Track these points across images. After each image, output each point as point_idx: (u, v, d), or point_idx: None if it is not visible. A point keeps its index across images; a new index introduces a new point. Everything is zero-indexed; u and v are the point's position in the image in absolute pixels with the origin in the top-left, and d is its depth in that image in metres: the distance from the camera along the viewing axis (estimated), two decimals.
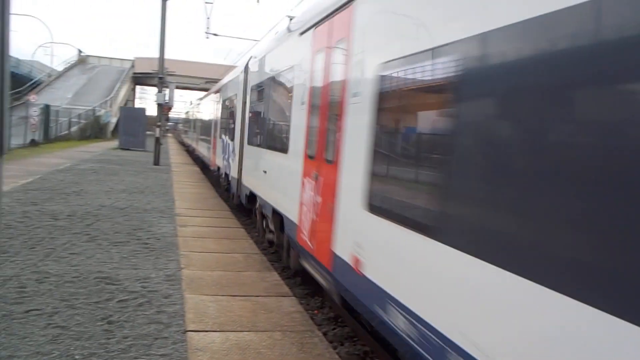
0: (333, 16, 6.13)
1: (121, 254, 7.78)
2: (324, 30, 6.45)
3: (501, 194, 2.86)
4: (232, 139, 14.50)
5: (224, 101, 17.92)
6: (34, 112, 32.00)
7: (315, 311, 7.34)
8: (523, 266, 2.62)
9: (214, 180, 20.48)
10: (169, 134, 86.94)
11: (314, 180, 6.37)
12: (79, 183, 15.68)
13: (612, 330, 2.12)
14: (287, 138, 7.94)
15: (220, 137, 17.89)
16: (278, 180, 8.56)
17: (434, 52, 3.66)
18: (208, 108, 26.00)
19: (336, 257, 5.47)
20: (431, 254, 3.53)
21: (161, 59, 25.07)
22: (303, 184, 6.87)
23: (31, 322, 4.98)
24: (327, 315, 7.16)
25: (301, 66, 7.45)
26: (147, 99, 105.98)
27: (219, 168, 18.05)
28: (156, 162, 24.79)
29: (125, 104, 62.77)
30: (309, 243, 6.56)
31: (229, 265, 7.76)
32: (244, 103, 12.89)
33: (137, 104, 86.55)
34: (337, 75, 5.77)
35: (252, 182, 11.14)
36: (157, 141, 25.22)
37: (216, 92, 22.08)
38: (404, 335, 3.83)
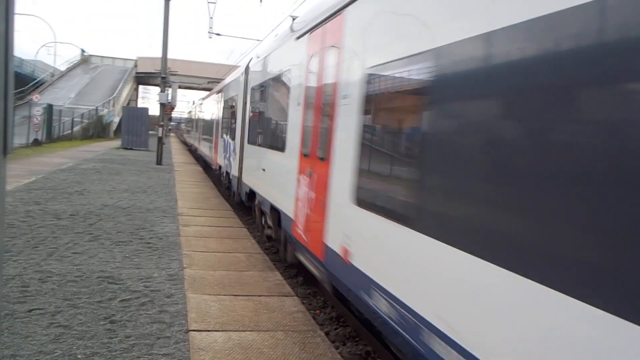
0: (326, 22, 6.48)
1: (124, 254, 7.79)
2: (318, 36, 6.81)
3: (468, 187, 3.21)
4: (233, 139, 14.86)
5: (225, 101, 18.27)
6: (37, 112, 32.07)
7: (318, 311, 7.34)
8: (491, 253, 2.90)
9: (216, 180, 20.50)
10: (172, 134, 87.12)
11: (308, 177, 6.71)
12: (81, 182, 15.71)
13: (571, 311, 2.35)
14: (284, 137, 8.27)
15: (222, 137, 18.27)
16: (276, 178, 8.89)
17: (410, 59, 4.06)
18: (210, 108, 26.24)
19: (327, 249, 5.81)
20: (410, 242, 3.85)
21: (164, 58, 25.10)
22: (298, 180, 7.22)
23: (34, 322, 4.99)
24: (329, 315, 7.16)
25: (297, 68, 7.82)
26: (149, 99, 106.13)
27: (220, 167, 18.47)
28: (159, 161, 24.83)
29: (128, 104, 62.84)
30: (303, 236, 6.92)
31: (232, 264, 7.77)
32: (245, 103, 13.24)
33: (140, 103, 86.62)
34: (330, 78, 6.10)
35: (251, 180, 11.51)
36: (160, 141, 25.26)
37: (218, 92, 22.46)
38: (385, 317, 4.20)
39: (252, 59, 13.30)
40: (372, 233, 4.65)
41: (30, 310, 5.26)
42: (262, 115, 10.78)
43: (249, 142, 12.27)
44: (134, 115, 35.56)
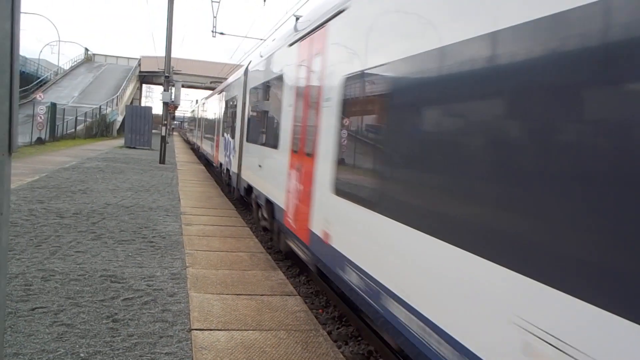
0: (314, 32, 7.17)
1: (126, 252, 7.80)
2: (307, 44, 7.53)
3: (416, 177, 3.92)
4: (233, 137, 15.50)
5: (226, 101, 18.85)
6: (41, 110, 32.11)
7: (320, 310, 7.34)
8: (433, 228, 3.59)
9: (219, 179, 20.52)
10: (175, 133, 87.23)
11: (297, 171, 7.44)
12: (85, 181, 15.74)
13: (490, 273, 2.95)
14: (278, 135, 8.94)
15: (223, 135, 18.89)
16: (270, 173, 9.58)
17: (375, 69, 4.78)
18: (212, 107, 26.55)
19: (312, 234, 6.57)
20: (374, 223, 4.61)
21: (167, 57, 25.13)
22: (289, 175, 7.94)
23: (37, 320, 5.00)
24: (332, 315, 7.16)
25: (289, 72, 8.56)
26: (153, 98, 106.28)
27: (221, 164, 19.10)
28: (162, 160, 24.87)
29: (132, 103, 63.02)
30: (292, 224, 7.65)
31: (234, 264, 7.77)
32: (244, 103, 13.92)
33: (143, 102, 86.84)
34: (315, 82, 6.82)
35: (249, 175, 12.19)
36: (163, 139, 25.29)
37: (219, 92, 22.92)
38: (355, 287, 4.99)
39: (251, 61, 14.07)
40: (346, 217, 5.40)
41: (33, 309, 5.27)
42: (259, 115, 11.47)
43: (247, 141, 12.86)
44: (137, 114, 35.62)
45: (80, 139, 42.04)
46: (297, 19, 9.07)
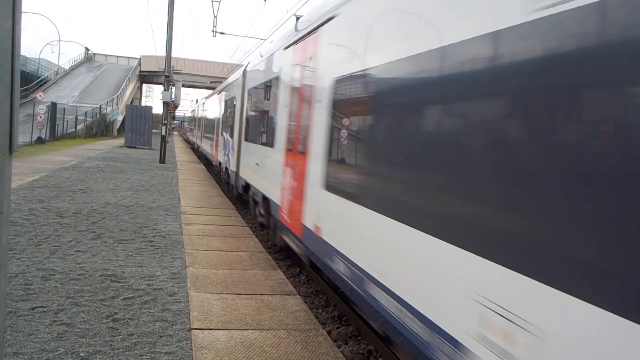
0: (307, 37, 7.54)
1: (126, 252, 7.80)
2: (301, 48, 7.91)
3: (393, 173, 4.38)
4: (232, 136, 15.95)
5: (225, 101, 19.33)
6: (41, 110, 32.10)
7: (320, 310, 7.35)
8: (406, 218, 4.03)
9: (219, 179, 20.53)
10: (175, 132, 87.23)
11: (291, 168, 7.82)
12: (85, 181, 15.75)
13: (451, 255, 3.36)
14: (274, 135, 9.32)
15: (222, 135, 19.38)
16: (267, 171, 9.96)
17: (358, 74, 5.21)
18: (211, 107, 26.93)
19: (304, 227, 6.93)
20: (358, 215, 5.02)
21: (168, 57, 25.13)
22: (284, 172, 8.32)
23: (37, 319, 5.00)
24: (332, 314, 7.16)
25: (285, 74, 8.93)
26: (153, 97, 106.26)
27: (220, 163, 19.58)
28: (162, 160, 24.87)
29: (132, 102, 62.98)
30: (287, 219, 8.01)
31: (234, 263, 7.78)
32: (242, 104, 14.41)
33: (144, 102, 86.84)
34: (308, 84, 7.20)
35: (247, 173, 12.65)
36: (163, 139, 25.29)
37: (219, 92, 23.29)
38: (342, 275, 5.41)
39: (249, 63, 14.54)
40: (334, 210, 5.79)
41: (33, 308, 5.27)
42: (256, 115, 11.91)
43: (245, 140, 13.27)
44: (137, 113, 35.61)
45: (81, 138, 42.04)
46: (298, 18, 9.08)
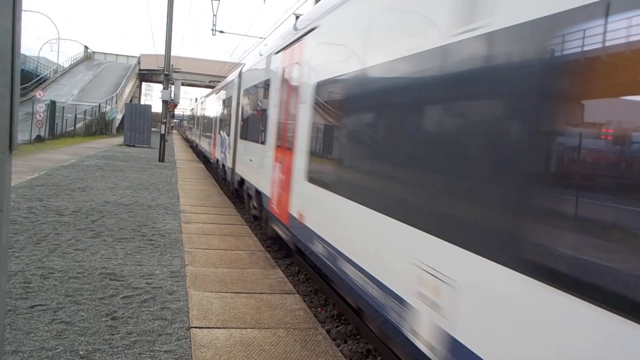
0: (294, 43, 8.28)
1: (126, 250, 7.81)
2: (289, 53, 8.63)
3: (360, 165, 5.09)
4: (228, 135, 16.71)
5: (223, 101, 20.12)
6: (40, 108, 32.05)
7: (319, 309, 7.35)
8: (366, 200, 4.81)
9: (218, 178, 20.53)
10: (174, 131, 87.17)
11: (280, 163, 8.55)
12: (84, 179, 15.74)
13: (409, 235, 3.97)
14: (266, 132, 10.06)
15: (219, 133, 20.18)
16: (259, 166, 10.67)
17: (337, 78, 5.88)
18: (210, 107, 27.50)
19: (291, 216, 7.65)
20: (333, 202, 5.76)
21: (167, 55, 25.11)
22: (274, 167, 9.05)
23: (36, 318, 5.00)
24: (331, 313, 7.17)
25: (275, 77, 9.67)
26: (152, 96, 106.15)
27: (217, 160, 20.34)
28: (161, 158, 24.87)
29: (131, 101, 62.90)
30: (276, 210, 8.74)
31: (233, 262, 7.78)
32: (238, 103, 15.17)
33: (143, 100, 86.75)
34: (295, 86, 7.92)
35: (242, 169, 13.44)
36: (162, 138, 25.28)
37: (217, 92, 23.93)
38: (321, 256, 6.16)
39: (244, 64, 15.49)
40: (315, 199, 6.50)
41: (32, 307, 5.27)
42: (250, 114, 12.67)
43: (240, 138, 14.00)
44: (136, 112, 35.59)
45: (80, 137, 42.01)
46: (297, 17, 9.11)
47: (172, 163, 25.03)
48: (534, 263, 2.62)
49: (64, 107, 39.56)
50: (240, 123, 14.40)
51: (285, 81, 8.71)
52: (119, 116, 53.02)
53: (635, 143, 2.21)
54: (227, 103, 18.49)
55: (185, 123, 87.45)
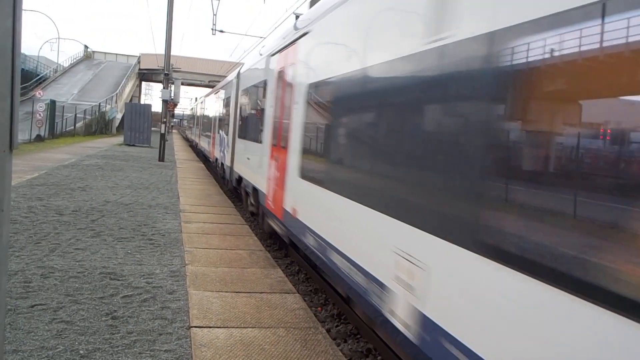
0: (289, 46, 8.67)
1: (126, 250, 7.81)
2: (285, 55, 9.01)
3: (346, 163, 5.57)
4: (227, 134, 17.09)
5: (222, 101, 20.57)
6: (40, 108, 32.03)
7: (319, 308, 7.36)
8: (351, 194, 5.24)
9: (218, 177, 20.53)
10: (174, 130, 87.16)
11: (275, 161, 8.92)
12: (84, 179, 15.74)
13: (383, 223, 4.47)
14: (262, 131, 10.46)
15: (218, 132, 20.60)
16: (256, 164, 11.06)
17: (327, 80, 6.26)
18: (209, 106, 27.78)
19: (285, 211, 8.03)
20: (322, 196, 6.18)
21: (167, 55, 25.10)
22: (270, 164, 9.46)
23: (36, 317, 5.01)
24: (331, 313, 7.17)
25: (271, 78, 10.05)
26: (152, 95, 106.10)
27: (216, 159, 20.73)
28: (161, 158, 24.86)
29: (131, 100, 62.89)
30: (272, 205, 9.14)
31: (233, 261, 7.78)
32: (236, 103, 15.64)
33: (143, 100, 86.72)
34: (289, 87, 8.29)
35: (240, 167, 13.86)
36: (162, 137, 25.28)
37: (216, 92, 24.30)
38: (311, 246, 6.58)
39: (242, 65, 15.93)
40: (307, 194, 6.89)
41: (32, 306, 5.28)
42: (248, 114, 13.09)
43: (239, 137, 14.38)
44: (136, 111, 35.57)
45: (80, 136, 42.00)
46: (297, 17, 9.13)
47: (172, 162, 25.03)
48: (489, 245, 3.00)
49: (63, 107, 39.54)
50: (238, 122, 14.76)
51: (280, 82, 9.10)
52: (119, 115, 53.01)
53: (565, 139, 2.68)
54: (225, 103, 18.85)
55: (185, 122, 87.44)
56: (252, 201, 11.78)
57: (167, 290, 6.15)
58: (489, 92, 3.12)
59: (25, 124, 30.51)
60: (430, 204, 3.71)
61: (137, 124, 35.14)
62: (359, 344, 6.17)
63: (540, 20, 2.72)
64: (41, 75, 58.40)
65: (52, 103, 35.85)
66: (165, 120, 25.71)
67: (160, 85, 29.29)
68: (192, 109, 60.42)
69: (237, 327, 5.24)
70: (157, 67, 51.81)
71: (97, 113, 48.69)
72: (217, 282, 6.67)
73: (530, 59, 2.82)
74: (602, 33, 2.39)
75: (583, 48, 2.49)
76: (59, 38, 74.32)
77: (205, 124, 29.18)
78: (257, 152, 10.95)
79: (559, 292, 2.45)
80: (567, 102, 2.65)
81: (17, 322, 4.84)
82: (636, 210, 2.20)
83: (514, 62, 2.95)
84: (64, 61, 72.48)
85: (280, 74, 9.17)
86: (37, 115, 31.74)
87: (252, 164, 11.57)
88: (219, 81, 37.16)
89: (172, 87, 25.58)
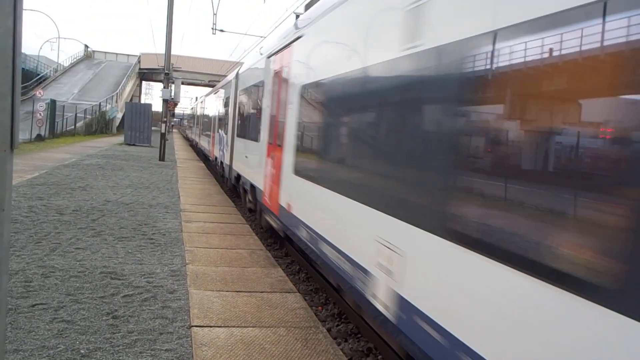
0: (284, 49, 9.08)
1: (126, 249, 7.81)
2: (280, 57, 9.42)
3: (333, 160, 5.94)
4: (226, 133, 17.48)
5: (221, 101, 20.99)
6: (40, 107, 32.03)
7: (320, 307, 7.36)
8: (339, 188, 5.63)
9: (218, 177, 20.53)
10: (174, 130, 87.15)
11: (272, 159, 9.31)
12: (84, 178, 15.74)
13: (369, 215, 4.82)
14: (259, 130, 10.85)
15: (218, 132, 21.04)
16: (254, 162, 11.44)
17: (319, 82, 6.61)
18: (209, 106, 28.14)
19: (280, 207, 8.44)
20: (313, 190, 6.56)
21: (167, 54, 25.10)
22: (266, 162, 9.83)
23: (37, 316, 5.01)
24: (331, 312, 7.17)
25: (267, 79, 10.45)
26: (152, 95, 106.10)
27: (216, 158, 21.14)
28: (161, 157, 24.86)
29: (131, 100, 62.90)
30: (268, 202, 9.53)
31: (234, 261, 7.78)
32: (235, 103, 16.05)
33: (143, 99, 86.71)
34: (284, 88, 8.69)
35: (238, 165, 14.26)
36: (163, 137, 25.28)
37: (215, 92, 24.63)
38: (304, 239, 6.98)
39: (241, 66, 16.32)
40: (300, 190, 7.26)
41: (33, 305, 5.28)
42: (246, 113, 13.53)
43: (237, 136, 14.83)
44: (137, 111, 35.58)
45: (80, 136, 42.00)
46: (297, 16, 9.14)
47: (172, 162, 25.03)
48: (456, 232, 3.36)
49: (64, 106, 39.52)
50: (237, 122, 15.21)
51: (276, 83, 9.54)
52: (119, 115, 53.02)
53: (518, 133, 3.01)
54: (225, 102, 19.27)
55: (185, 122, 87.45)
56: (250, 198, 12.17)
57: (168, 289, 6.15)
58: (454, 93, 3.48)
59: (26, 124, 30.52)
60: (406, 195, 4.11)
61: (138, 124, 35.15)
62: (360, 344, 6.17)
63: (497, 31, 3.09)
64: (41, 74, 58.39)
65: (53, 102, 35.84)
66: (165, 119, 25.72)
67: (160, 85, 29.30)
68: (192, 108, 60.48)
69: (237, 327, 5.24)
70: (157, 67, 51.81)
71: (97, 112, 48.68)
72: (218, 281, 6.68)
73: (485, 66, 3.23)
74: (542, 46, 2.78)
75: (528, 58, 2.84)
76: (59, 37, 74.38)
77: (205, 123, 29.31)
78: (254, 150, 11.31)
79: (518, 273, 2.77)
80: (513, 98, 3.03)
81: (17, 321, 4.84)
82: (585, 196, 2.47)
83: (475, 69, 3.31)
84: (64, 61, 72.55)
85: (276, 75, 9.57)
86: (38, 114, 31.75)
87: (250, 162, 11.92)
88: (219, 81, 37.22)
89: (173, 86, 25.58)
